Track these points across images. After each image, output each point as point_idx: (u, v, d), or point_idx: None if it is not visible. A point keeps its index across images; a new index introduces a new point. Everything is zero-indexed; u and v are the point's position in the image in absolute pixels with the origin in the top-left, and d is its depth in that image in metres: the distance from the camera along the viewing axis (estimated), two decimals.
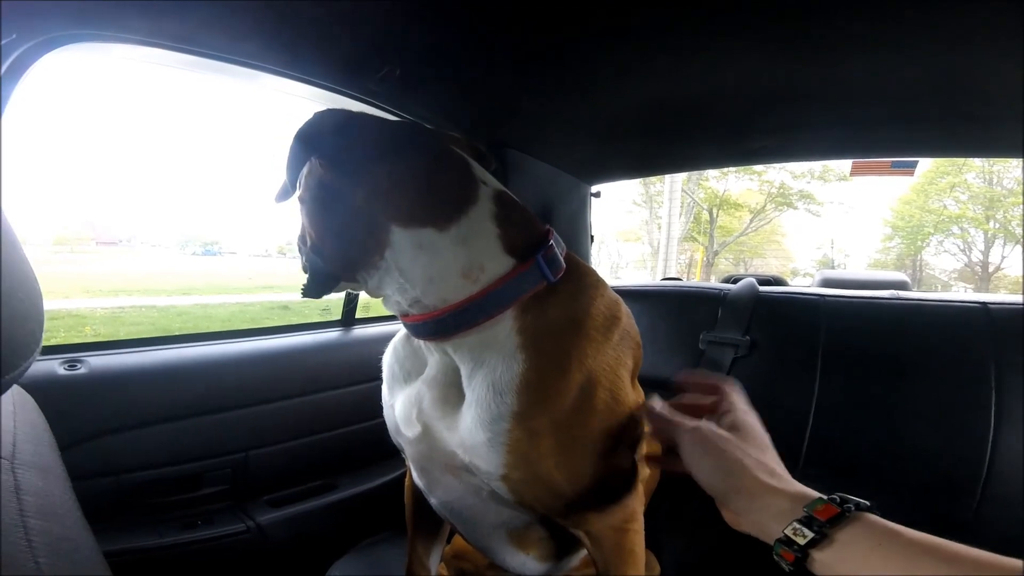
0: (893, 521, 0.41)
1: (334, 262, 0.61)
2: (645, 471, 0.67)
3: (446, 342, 0.57)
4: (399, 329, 0.69)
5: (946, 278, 14.76)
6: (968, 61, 0.80)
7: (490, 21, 0.79)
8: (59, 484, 0.36)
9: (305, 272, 0.65)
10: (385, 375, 0.69)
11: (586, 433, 0.55)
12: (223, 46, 0.83)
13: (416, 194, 0.56)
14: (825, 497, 0.43)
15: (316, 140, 0.58)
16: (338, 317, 1.33)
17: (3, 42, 0.61)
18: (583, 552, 0.71)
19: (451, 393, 0.58)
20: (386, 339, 0.73)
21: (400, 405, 0.63)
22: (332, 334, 1.28)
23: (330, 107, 0.61)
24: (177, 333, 1.16)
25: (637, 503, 0.64)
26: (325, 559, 1.00)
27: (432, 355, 0.61)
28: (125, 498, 0.94)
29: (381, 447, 1.27)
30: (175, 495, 1.00)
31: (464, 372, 0.57)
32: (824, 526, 0.40)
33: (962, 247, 13.84)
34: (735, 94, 1.00)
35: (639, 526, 0.64)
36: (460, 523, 0.69)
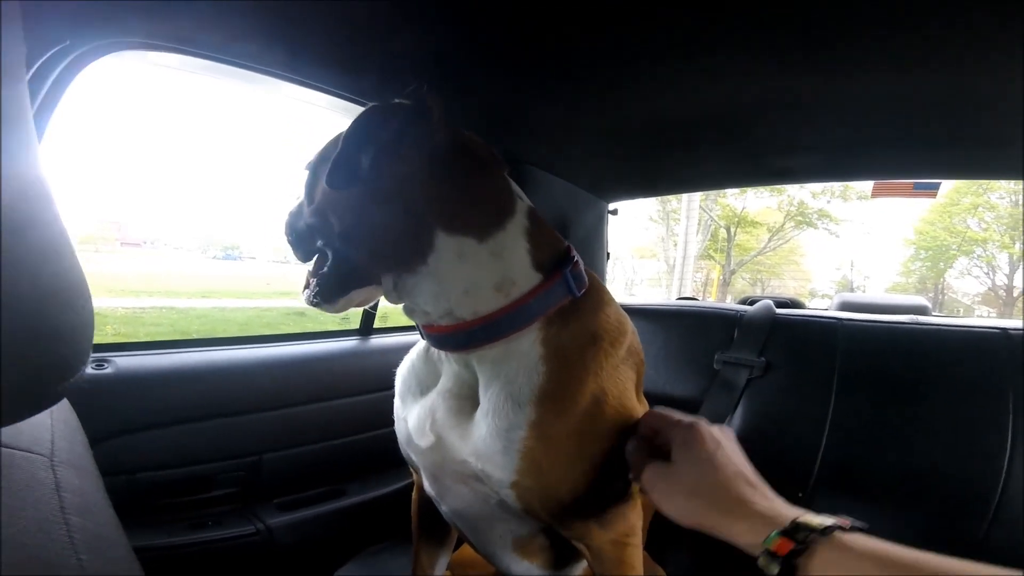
0: (906, 538, 0.41)
1: (369, 255, 0.58)
2: None
3: (469, 353, 0.58)
4: (416, 340, 0.71)
5: (969, 301, 14.43)
6: (974, 81, 0.80)
7: (510, 37, 0.81)
8: (93, 481, 0.38)
9: (313, 269, 0.64)
10: (398, 389, 0.70)
11: (595, 443, 0.57)
12: (258, 57, 0.86)
13: (466, 202, 0.57)
14: (787, 525, 0.44)
15: (378, 131, 0.55)
16: (356, 326, 1.34)
17: (48, 53, 0.65)
18: (584, 563, 0.71)
19: (465, 405, 0.60)
20: (403, 349, 0.74)
21: (413, 417, 0.64)
22: (350, 342, 1.29)
23: (389, 102, 0.57)
24: (196, 335, 1.18)
25: (636, 517, 0.65)
26: (331, 564, 1.01)
27: (449, 367, 0.62)
28: (139, 497, 0.96)
29: (391, 456, 1.27)
30: (188, 495, 1.02)
31: (482, 382, 0.58)
32: (789, 557, 0.41)
33: (986, 270, 13.54)
34: (755, 113, 1.00)
35: (638, 540, 0.65)
36: (468, 530, 0.70)
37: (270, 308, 7.89)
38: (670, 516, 0.51)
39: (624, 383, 0.61)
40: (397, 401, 0.70)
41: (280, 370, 1.14)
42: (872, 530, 0.43)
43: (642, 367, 0.67)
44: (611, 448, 0.58)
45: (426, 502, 0.75)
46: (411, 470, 0.74)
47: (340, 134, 0.58)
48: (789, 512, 0.45)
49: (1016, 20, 0.64)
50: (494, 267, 0.56)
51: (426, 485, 0.67)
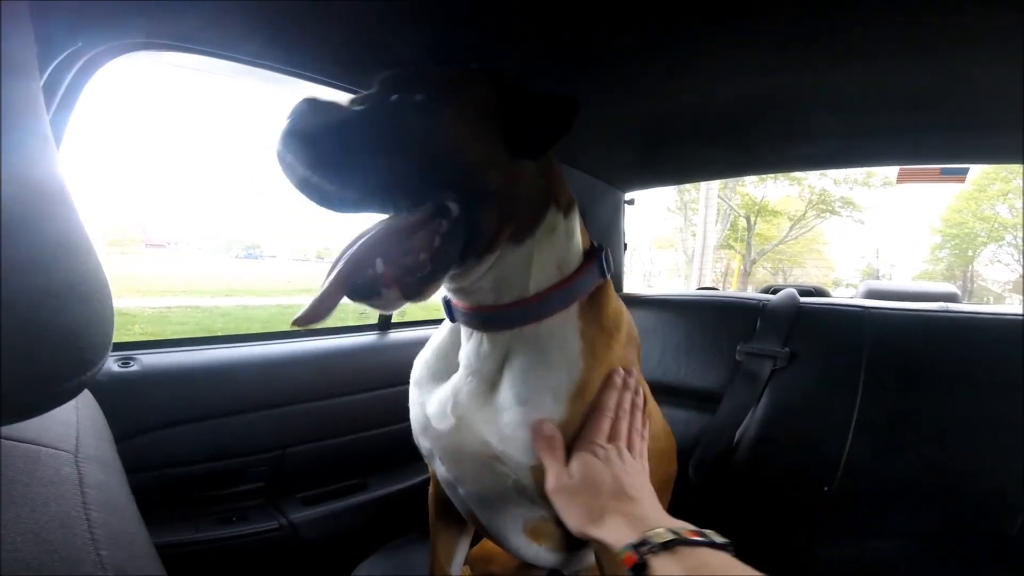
0: (935, 535, 0.41)
1: (501, 217, 0.55)
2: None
3: (512, 333, 0.60)
4: (432, 332, 0.72)
5: (999, 289, 14.01)
6: (973, 66, 0.79)
7: (528, 29, 0.80)
8: (117, 478, 0.38)
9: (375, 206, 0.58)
10: (415, 376, 0.71)
11: None
12: (274, 55, 0.87)
13: (563, 187, 0.63)
14: (633, 541, 0.46)
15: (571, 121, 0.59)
16: (374, 321, 1.35)
17: (62, 56, 0.66)
18: (591, 551, 0.72)
19: (487, 388, 0.61)
20: (420, 343, 0.74)
21: (434, 401, 0.65)
22: (368, 338, 1.30)
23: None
24: (220, 332, 1.20)
25: None
26: (353, 558, 1.02)
27: (473, 353, 0.63)
28: (167, 493, 0.98)
29: (411, 449, 1.29)
30: (213, 490, 1.04)
31: (516, 367, 0.59)
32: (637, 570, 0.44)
33: (1017, 257, 13.10)
34: (767, 104, 0.98)
35: None
36: (483, 513, 0.70)
37: (291, 305, 8.01)
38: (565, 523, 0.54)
39: (630, 367, 0.65)
40: (413, 389, 0.70)
41: (301, 366, 1.15)
42: (895, 528, 0.43)
43: (639, 351, 0.72)
44: None
45: (442, 495, 0.77)
46: (426, 463, 0.74)
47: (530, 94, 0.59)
48: (654, 524, 0.48)
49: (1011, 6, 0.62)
50: (564, 245, 0.61)
51: (441, 470, 0.67)
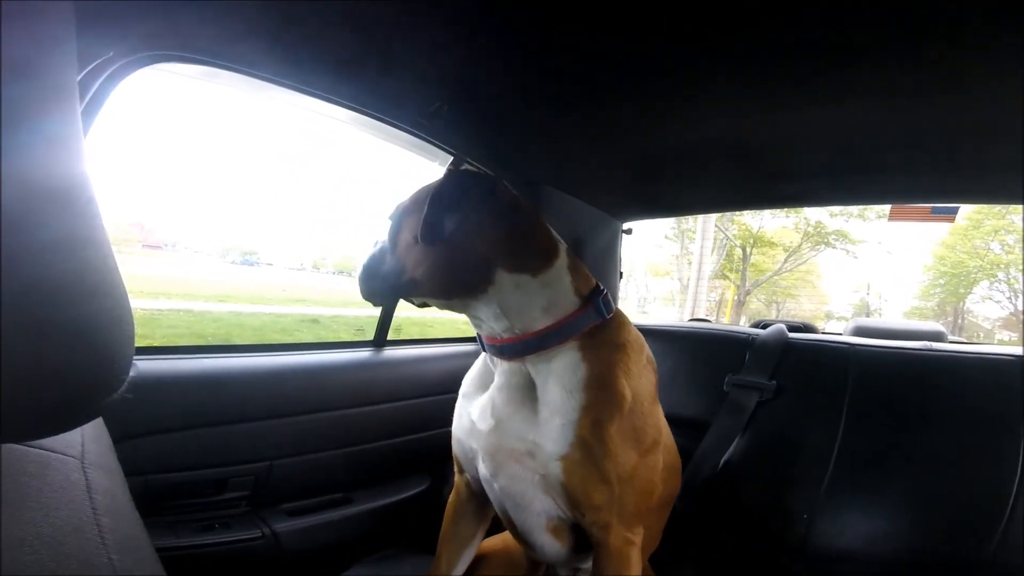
0: (913, 559, 0.43)
1: (441, 289, 0.75)
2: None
3: (524, 359, 0.75)
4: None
5: (989, 326, 14.11)
6: (972, 107, 0.82)
7: (531, 63, 0.84)
8: (119, 483, 0.39)
9: (375, 301, 0.84)
10: (464, 389, 0.86)
11: (625, 426, 0.72)
12: (287, 74, 0.90)
13: (523, 249, 0.74)
14: None
15: (460, 198, 0.72)
16: (371, 337, 1.36)
17: (92, 65, 0.68)
18: None
19: (519, 396, 0.76)
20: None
21: (477, 408, 0.80)
22: (363, 353, 1.31)
23: (464, 169, 0.77)
24: (211, 338, 1.21)
25: (649, 524, 0.81)
26: (335, 570, 1.02)
27: (504, 369, 0.78)
28: (150, 499, 0.97)
29: (400, 465, 1.30)
30: (197, 498, 1.03)
31: (539, 382, 0.75)
32: None
33: (1008, 294, 13.23)
34: (762, 140, 1.02)
35: (639, 540, 0.77)
36: (514, 511, 0.81)
37: (285, 314, 7.97)
38: None
39: (647, 385, 0.79)
40: (460, 400, 0.86)
41: (295, 379, 1.16)
42: (873, 556, 0.44)
43: (656, 375, 0.84)
44: (636, 437, 0.73)
45: (460, 507, 0.91)
46: (456, 470, 0.89)
47: (422, 191, 0.78)
48: None
49: (1011, 48, 0.65)
50: (544, 294, 0.74)
51: (482, 468, 0.80)
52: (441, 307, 0.79)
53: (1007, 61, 0.69)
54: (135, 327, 0.28)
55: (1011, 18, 0.61)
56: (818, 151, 1.05)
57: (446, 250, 0.72)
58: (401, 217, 0.79)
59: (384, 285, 0.80)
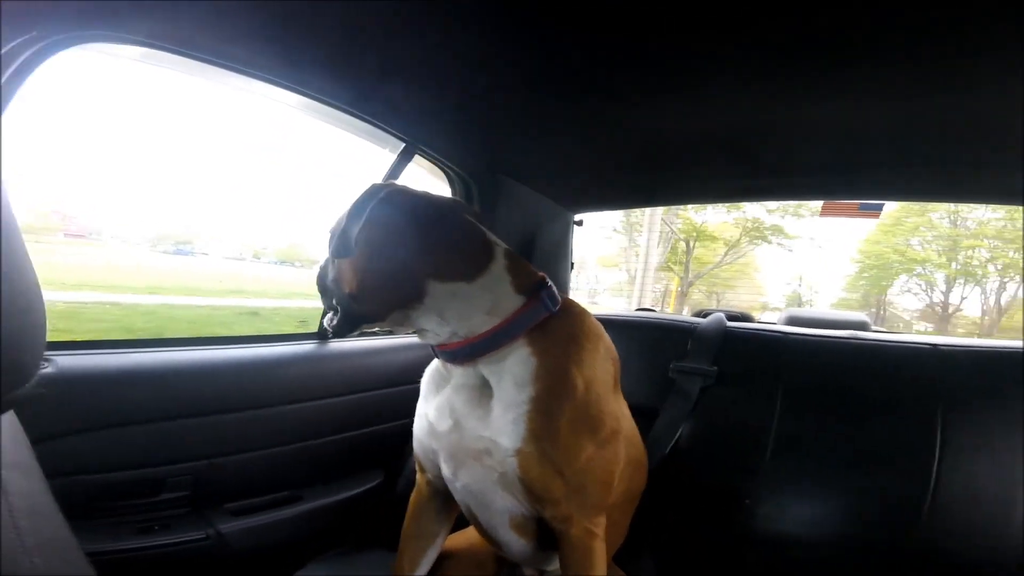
0: (849, 542, 0.44)
1: (375, 305, 0.75)
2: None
3: (477, 361, 0.74)
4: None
5: (908, 317, 15.26)
6: (972, 107, 0.85)
7: (492, 55, 0.83)
8: (40, 484, 0.36)
9: (333, 313, 0.81)
10: (423, 391, 0.85)
11: (578, 416, 0.72)
12: (223, 52, 0.86)
13: (453, 257, 0.74)
14: None
15: (375, 209, 0.73)
16: (315, 329, 1.32)
17: (14, 42, 0.63)
18: None
19: (476, 395, 0.75)
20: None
21: (434, 409, 0.80)
22: (308, 346, 1.27)
23: (380, 182, 0.75)
24: (141, 333, 1.15)
25: (608, 516, 0.80)
26: (287, 570, 1.00)
27: (459, 371, 0.77)
28: (82, 500, 0.92)
29: (349, 461, 1.27)
30: (132, 499, 0.98)
31: (493, 381, 0.74)
32: None
33: (924, 288, 14.35)
34: (727, 133, 1.05)
35: (601, 531, 0.78)
36: (478, 509, 0.81)
37: (221, 307, 7.61)
38: None
39: (604, 375, 0.78)
40: (421, 400, 0.86)
41: (234, 373, 1.11)
42: (814, 539, 0.45)
43: (617, 364, 0.84)
44: (591, 428, 0.73)
45: (422, 506, 0.90)
46: (418, 469, 0.88)
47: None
48: None
49: (1011, 49, 0.67)
50: (485, 297, 0.73)
51: (445, 468, 0.80)
52: (383, 327, 0.80)
53: (1007, 61, 0.71)
54: (47, 319, 0.26)
55: (1011, 18, 0.62)
56: (793, 146, 1.08)
57: (367, 262, 0.74)
58: (335, 230, 0.78)
59: (329, 302, 0.82)
